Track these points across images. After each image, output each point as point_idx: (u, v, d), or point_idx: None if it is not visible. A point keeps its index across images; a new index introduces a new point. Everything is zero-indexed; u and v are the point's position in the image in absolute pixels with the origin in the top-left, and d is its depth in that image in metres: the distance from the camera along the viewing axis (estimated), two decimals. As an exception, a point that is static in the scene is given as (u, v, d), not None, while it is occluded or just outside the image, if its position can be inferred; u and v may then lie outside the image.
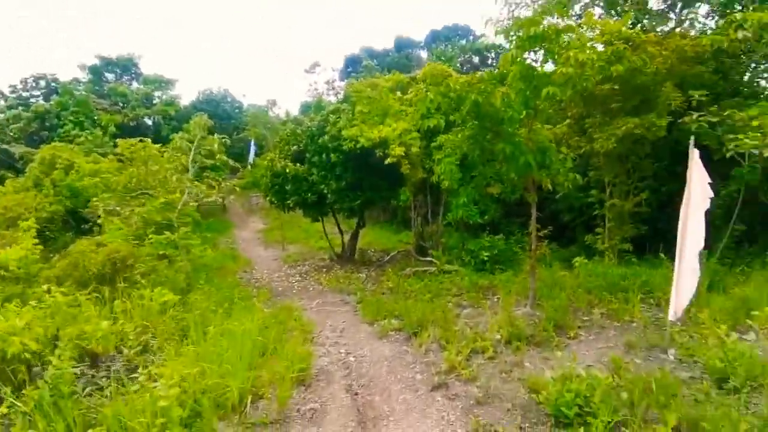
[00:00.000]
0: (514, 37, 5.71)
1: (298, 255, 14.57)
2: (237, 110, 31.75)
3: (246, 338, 5.67)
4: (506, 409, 4.11)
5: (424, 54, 29.79)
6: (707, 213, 4.70)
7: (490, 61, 26.21)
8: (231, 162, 19.50)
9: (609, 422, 3.37)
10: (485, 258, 10.08)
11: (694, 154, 4.72)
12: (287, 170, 11.02)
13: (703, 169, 4.73)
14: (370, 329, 7.11)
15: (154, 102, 29.15)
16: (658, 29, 9.76)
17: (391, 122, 8.97)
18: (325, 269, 12.12)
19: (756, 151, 6.24)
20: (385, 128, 8.68)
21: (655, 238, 9.28)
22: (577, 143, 9.21)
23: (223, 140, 12.18)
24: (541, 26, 5.51)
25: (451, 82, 5.76)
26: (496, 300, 7.91)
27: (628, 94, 8.02)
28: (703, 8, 9.36)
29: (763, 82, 8.87)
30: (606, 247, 8.99)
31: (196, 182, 11.71)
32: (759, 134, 6.32)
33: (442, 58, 22.87)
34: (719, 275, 7.15)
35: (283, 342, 6.14)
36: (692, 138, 4.89)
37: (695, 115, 6.91)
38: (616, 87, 7.86)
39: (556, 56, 5.73)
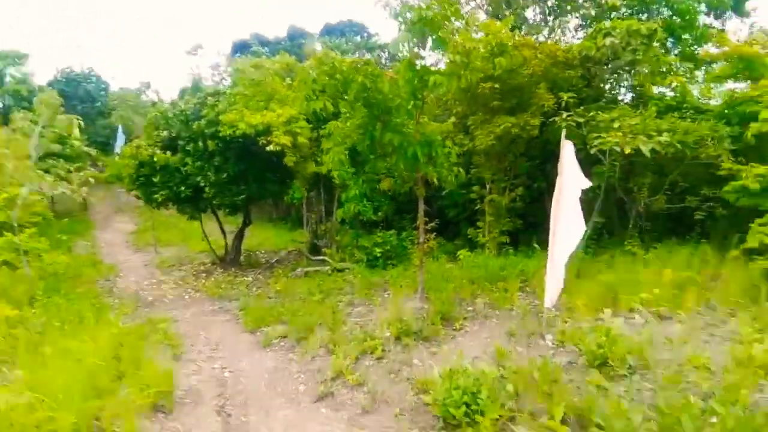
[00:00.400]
0: (405, 20, 5.52)
1: (175, 259, 13.03)
2: (103, 92, 27.73)
3: (92, 359, 4.70)
4: (394, 414, 3.83)
5: (318, 47, 29.08)
6: (580, 201, 4.93)
7: (384, 60, 26.51)
8: (89, 150, 16.87)
9: (497, 419, 3.26)
10: (378, 254, 9.94)
11: (567, 146, 4.94)
12: (155, 159, 9.66)
13: (575, 160, 4.97)
14: (252, 338, 6.44)
15: (6, 80, 24.15)
16: (534, 37, 10.52)
17: (276, 108, 8.28)
18: (205, 274, 10.96)
19: (618, 149, 6.88)
20: (269, 114, 7.97)
21: (528, 231, 10.01)
22: (461, 141, 9.52)
23: (78, 122, 10.27)
24: (431, 11, 5.38)
25: (336, 62, 5.36)
26: (387, 296, 7.75)
27: (507, 95, 8.47)
28: (573, 22, 10.33)
29: (623, 90, 10.05)
30: (486, 240, 9.41)
31: (39, 172, 9.75)
32: (620, 133, 7.01)
33: (336, 51, 22.46)
34: (585, 264, 7.81)
35: (142, 361, 5.21)
36: (563, 131, 5.13)
37: (564, 115, 7.47)
38: (497, 86, 8.23)
39: (444, 44, 5.63)
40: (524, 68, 8.15)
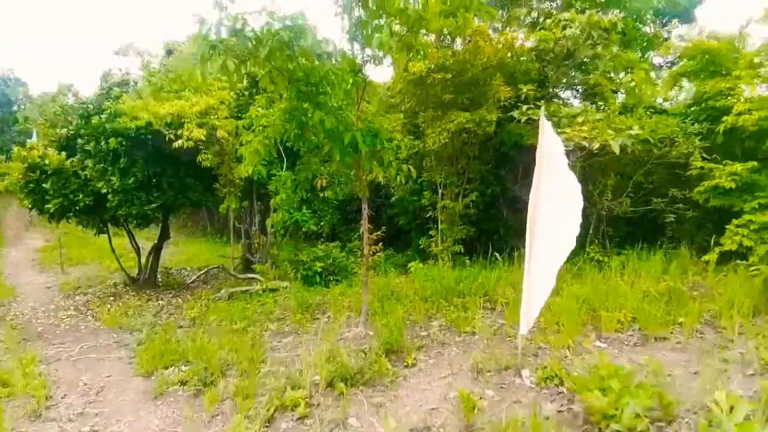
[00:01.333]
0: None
1: (84, 280, 10.86)
2: (21, 96, 24.55)
3: None
4: None
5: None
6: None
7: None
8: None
9: None
10: (318, 270, 8.43)
11: (546, 127, 3.78)
12: (46, 161, 7.67)
13: (558, 141, 3.82)
14: (144, 385, 4.73)
15: None
16: (489, 29, 9.56)
17: (190, 96, 6.64)
18: (113, 298, 8.94)
19: (586, 144, 5.90)
20: (179, 102, 6.32)
21: (481, 239, 8.94)
22: (411, 143, 8.33)
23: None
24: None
25: (247, 16, 3.90)
26: (327, 320, 6.29)
27: (460, 88, 7.35)
28: (527, 17, 9.45)
29: (575, 92, 9.19)
30: (440, 249, 8.18)
31: None
32: (585, 129, 6.04)
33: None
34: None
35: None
36: (543, 107, 3.98)
37: (524, 108, 6.44)
38: (449, 77, 7.07)
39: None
40: (478, 59, 7.09)
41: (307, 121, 4.75)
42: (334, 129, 4.19)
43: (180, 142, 6.19)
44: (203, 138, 6.26)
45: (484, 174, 8.71)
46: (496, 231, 9.19)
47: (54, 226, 15.63)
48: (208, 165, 7.01)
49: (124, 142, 7.59)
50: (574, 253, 7.98)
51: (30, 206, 8.10)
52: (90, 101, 8.23)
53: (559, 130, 6.34)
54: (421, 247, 8.66)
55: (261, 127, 5.02)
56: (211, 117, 6.53)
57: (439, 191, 8.20)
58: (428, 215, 8.87)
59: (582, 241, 8.30)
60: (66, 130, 8.23)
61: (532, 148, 7.94)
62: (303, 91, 4.33)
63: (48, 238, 16.24)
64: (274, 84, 4.31)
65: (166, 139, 6.57)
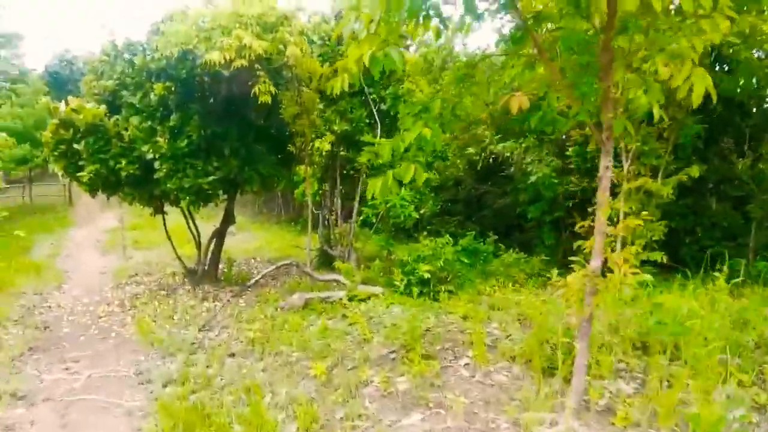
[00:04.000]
0: None
1: (143, 266, 8.97)
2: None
3: None
4: None
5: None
6: None
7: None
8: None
9: None
10: (424, 275, 5.57)
11: None
12: (80, 115, 5.51)
13: None
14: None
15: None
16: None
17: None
18: (165, 293, 6.78)
19: None
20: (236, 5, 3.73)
21: (658, 241, 5.51)
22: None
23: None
24: None
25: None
26: (468, 370, 3.49)
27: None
28: None
29: None
30: (623, 258, 4.90)
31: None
32: None
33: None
34: None
35: None
36: None
37: None
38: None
39: None
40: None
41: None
42: None
43: (216, 54, 3.60)
44: (264, 54, 3.60)
45: (683, 142, 5.31)
46: (691, 231, 5.77)
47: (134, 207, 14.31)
48: (266, 101, 4.36)
49: (173, 88, 5.26)
50: None
51: (62, 173, 6.03)
52: (138, 43, 5.98)
53: None
54: (582, 249, 5.40)
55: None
56: (279, 30, 3.87)
57: (624, 162, 4.91)
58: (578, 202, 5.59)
59: None
60: (112, 81, 6.06)
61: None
62: None
63: (123, 219, 15.02)
64: None
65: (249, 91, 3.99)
